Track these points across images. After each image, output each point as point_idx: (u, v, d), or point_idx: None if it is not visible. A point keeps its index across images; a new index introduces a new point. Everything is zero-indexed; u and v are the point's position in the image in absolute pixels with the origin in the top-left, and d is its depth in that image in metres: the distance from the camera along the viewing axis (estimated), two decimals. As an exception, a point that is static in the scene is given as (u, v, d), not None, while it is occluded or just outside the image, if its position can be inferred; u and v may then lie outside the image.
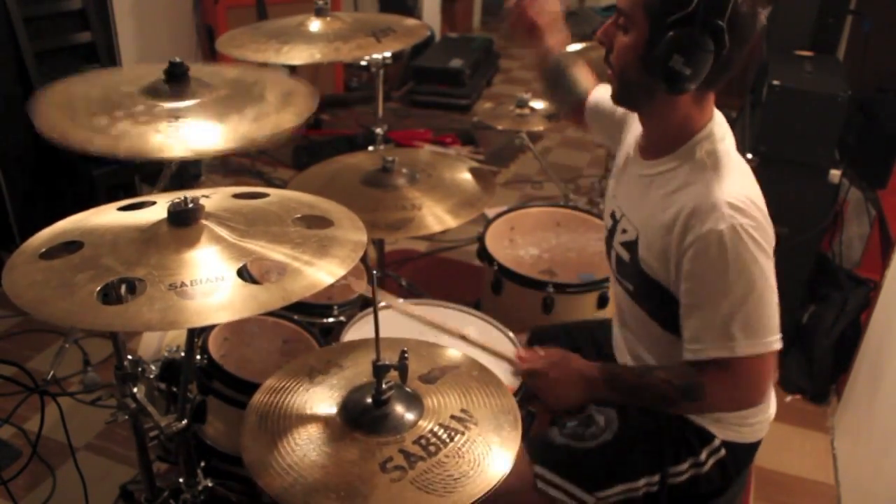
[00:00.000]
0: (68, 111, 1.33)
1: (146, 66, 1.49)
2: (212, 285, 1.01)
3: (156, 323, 0.95)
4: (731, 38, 1.15)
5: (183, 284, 1.00)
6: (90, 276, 1.02)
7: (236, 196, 1.26)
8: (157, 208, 1.21)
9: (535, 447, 1.41)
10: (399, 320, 1.73)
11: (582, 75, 1.70)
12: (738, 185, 1.23)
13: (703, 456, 1.39)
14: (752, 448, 1.44)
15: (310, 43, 1.90)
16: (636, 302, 1.41)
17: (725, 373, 1.25)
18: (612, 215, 1.43)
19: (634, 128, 1.45)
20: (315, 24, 1.99)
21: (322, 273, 1.06)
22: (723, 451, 1.40)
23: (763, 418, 1.42)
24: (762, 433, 1.44)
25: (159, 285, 1.00)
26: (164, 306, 0.97)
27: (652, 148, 1.34)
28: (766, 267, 1.21)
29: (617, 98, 1.33)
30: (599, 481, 1.38)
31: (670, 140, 1.29)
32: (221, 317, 0.99)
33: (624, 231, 1.38)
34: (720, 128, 1.30)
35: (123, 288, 1.04)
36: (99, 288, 0.99)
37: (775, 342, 1.23)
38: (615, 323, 1.57)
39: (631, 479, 1.39)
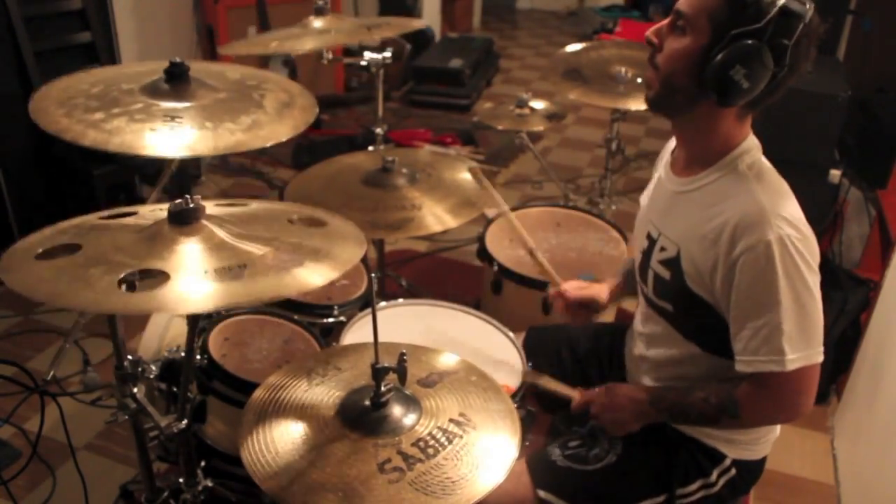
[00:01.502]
0: (66, 105, 1.33)
1: (150, 63, 1.49)
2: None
3: (186, 303, 0.97)
4: (792, 60, 1.15)
5: (207, 272, 1.02)
6: (103, 269, 1.01)
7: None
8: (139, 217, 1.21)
9: (537, 470, 1.40)
10: (399, 323, 1.73)
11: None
12: (784, 198, 1.23)
13: (714, 476, 1.39)
14: (760, 464, 1.44)
15: (301, 36, 1.90)
16: (673, 324, 1.38)
17: (764, 388, 1.24)
18: (648, 236, 1.40)
19: (661, 163, 1.45)
20: (315, 24, 2.00)
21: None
22: (734, 471, 1.39)
23: (772, 436, 1.42)
24: (769, 448, 1.43)
25: (182, 272, 1.01)
26: (194, 289, 0.98)
27: (689, 163, 1.32)
28: (811, 280, 1.19)
29: (654, 101, 1.28)
30: None
31: (709, 153, 1.28)
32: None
33: (663, 249, 1.35)
34: (757, 142, 1.29)
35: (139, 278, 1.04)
36: (120, 277, 1.00)
37: (818, 354, 1.23)
38: (636, 349, 1.53)
39: (635, 500, 1.39)
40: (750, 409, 1.26)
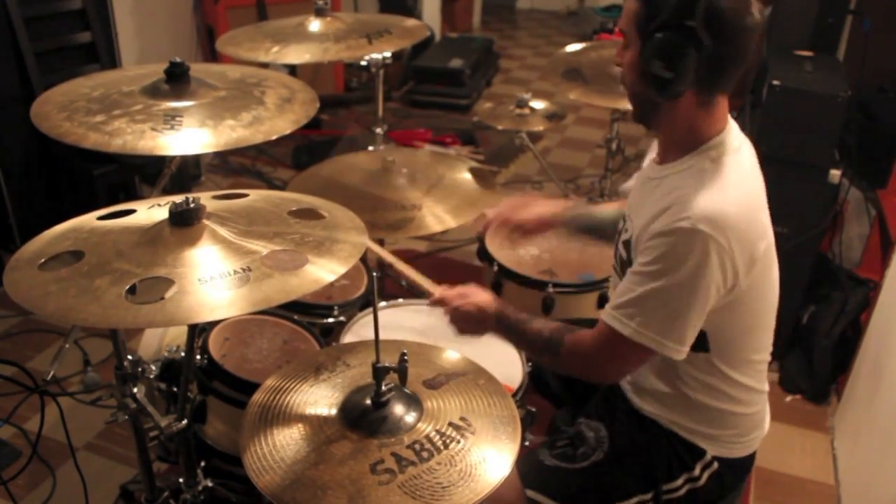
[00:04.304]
0: (67, 109, 1.33)
1: (150, 66, 1.49)
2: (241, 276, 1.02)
3: (196, 315, 0.97)
4: (712, 37, 1.15)
5: (213, 277, 1.02)
6: (109, 280, 1.01)
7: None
8: (137, 215, 1.21)
9: (525, 470, 1.41)
10: (399, 322, 1.73)
11: (606, 208, 1.72)
12: (728, 199, 1.20)
13: (698, 470, 1.39)
14: (746, 461, 1.44)
15: (301, 43, 1.90)
16: None
17: (594, 343, 1.28)
18: (624, 219, 1.44)
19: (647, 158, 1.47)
20: (315, 25, 1.99)
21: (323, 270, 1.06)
22: (716, 465, 1.39)
23: (756, 434, 1.42)
24: (755, 446, 1.43)
25: (188, 280, 1.01)
26: (201, 299, 0.98)
27: (664, 153, 1.35)
28: (702, 286, 1.18)
29: (636, 118, 1.34)
30: (592, 503, 1.39)
31: (680, 146, 1.29)
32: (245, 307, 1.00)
33: (626, 230, 1.38)
34: (735, 139, 1.28)
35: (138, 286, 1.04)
36: (126, 289, 1.00)
37: (668, 349, 1.22)
38: None
39: (623, 498, 1.39)
40: (569, 356, 1.31)
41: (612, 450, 1.40)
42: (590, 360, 1.31)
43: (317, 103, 1.49)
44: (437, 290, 1.51)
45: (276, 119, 1.38)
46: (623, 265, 1.38)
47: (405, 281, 1.54)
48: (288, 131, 1.37)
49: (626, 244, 1.37)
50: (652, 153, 1.46)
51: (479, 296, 1.45)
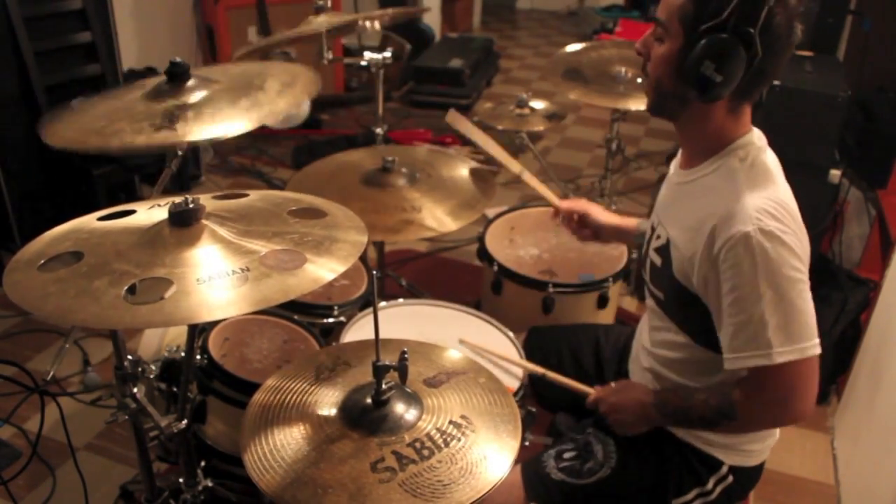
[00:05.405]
0: (74, 123, 1.33)
1: (154, 78, 1.50)
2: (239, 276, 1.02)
3: (195, 315, 0.97)
4: (764, 48, 1.15)
5: (211, 278, 1.02)
6: (108, 281, 1.01)
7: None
8: (138, 216, 1.21)
9: (531, 483, 1.40)
10: (398, 323, 1.73)
11: None
12: (769, 191, 1.22)
13: (711, 485, 1.38)
14: (758, 469, 1.43)
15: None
16: (667, 313, 1.38)
17: (758, 387, 1.22)
18: (652, 226, 1.43)
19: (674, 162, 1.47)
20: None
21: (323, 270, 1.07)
22: (730, 479, 1.38)
23: (770, 441, 1.41)
24: (767, 454, 1.42)
25: (187, 280, 1.01)
26: (199, 300, 0.98)
27: (691, 158, 1.34)
28: (796, 272, 1.17)
29: (652, 108, 1.33)
30: None
31: (707, 148, 1.29)
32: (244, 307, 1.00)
33: (658, 237, 1.37)
34: (761, 140, 1.30)
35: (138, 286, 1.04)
36: (125, 290, 1.00)
37: (813, 347, 1.18)
38: (639, 339, 1.54)
39: None
40: (747, 410, 1.24)
41: (620, 465, 1.39)
42: (770, 410, 1.23)
43: (319, 82, 1.49)
44: (593, 392, 1.48)
45: (277, 102, 1.39)
46: (656, 272, 1.37)
47: (559, 384, 1.57)
48: (287, 110, 1.36)
49: (660, 250, 1.35)
50: (676, 161, 1.47)
51: (635, 390, 1.41)
